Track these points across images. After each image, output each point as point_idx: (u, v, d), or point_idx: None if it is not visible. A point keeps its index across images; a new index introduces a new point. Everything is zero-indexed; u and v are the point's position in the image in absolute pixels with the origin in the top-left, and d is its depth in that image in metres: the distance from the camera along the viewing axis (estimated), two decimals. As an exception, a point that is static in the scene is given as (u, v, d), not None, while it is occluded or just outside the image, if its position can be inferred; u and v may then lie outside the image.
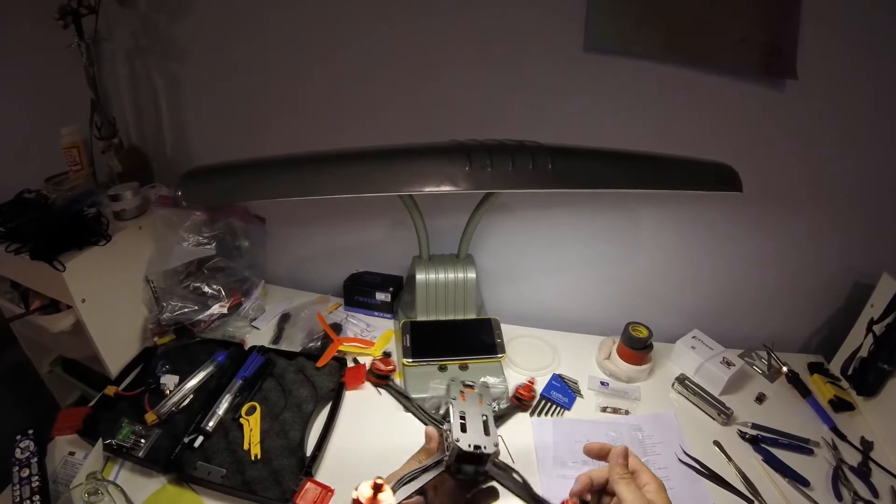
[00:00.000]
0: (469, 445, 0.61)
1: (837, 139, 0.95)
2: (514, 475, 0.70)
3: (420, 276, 1.08)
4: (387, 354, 1.07)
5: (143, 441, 0.89)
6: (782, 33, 0.87)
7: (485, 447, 0.61)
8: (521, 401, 0.99)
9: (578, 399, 1.04)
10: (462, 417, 0.65)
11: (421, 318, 1.11)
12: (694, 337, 1.11)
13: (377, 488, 0.51)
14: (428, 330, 1.09)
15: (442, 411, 0.97)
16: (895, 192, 0.99)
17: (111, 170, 1.20)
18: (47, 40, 1.11)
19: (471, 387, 0.70)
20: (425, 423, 0.96)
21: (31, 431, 0.87)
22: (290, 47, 1.05)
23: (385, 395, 1.03)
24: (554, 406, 1.01)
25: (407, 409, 0.99)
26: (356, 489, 0.53)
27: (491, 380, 1.01)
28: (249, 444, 0.90)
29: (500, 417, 0.97)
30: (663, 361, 1.13)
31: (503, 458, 0.70)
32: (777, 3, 0.85)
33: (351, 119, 1.10)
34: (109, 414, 0.95)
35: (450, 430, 0.63)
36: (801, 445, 0.94)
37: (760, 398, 1.04)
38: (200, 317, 1.12)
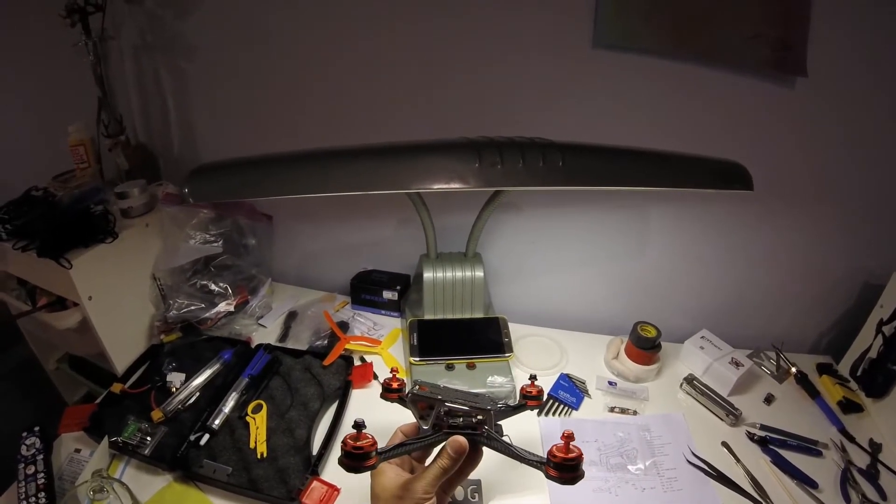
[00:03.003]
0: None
1: (847, 138, 0.94)
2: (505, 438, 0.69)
3: (427, 275, 1.07)
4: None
5: (148, 438, 0.90)
6: (792, 30, 0.86)
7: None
8: (528, 397, 0.97)
9: (586, 399, 1.03)
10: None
11: (428, 316, 1.10)
12: (702, 337, 1.10)
13: (358, 427, 0.53)
14: (435, 328, 1.09)
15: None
16: (905, 192, 0.98)
17: (118, 167, 1.20)
18: (54, 38, 1.11)
19: None
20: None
21: (37, 428, 0.87)
22: (297, 44, 1.05)
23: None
24: (562, 406, 1.01)
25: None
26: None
27: (498, 379, 1.01)
28: (255, 443, 0.90)
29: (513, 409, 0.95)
30: (672, 361, 1.12)
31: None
32: (787, -1, 0.85)
33: (360, 116, 1.09)
34: (115, 411, 0.95)
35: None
36: (809, 447, 0.93)
37: (769, 399, 1.04)
38: (207, 314, 1.12)
